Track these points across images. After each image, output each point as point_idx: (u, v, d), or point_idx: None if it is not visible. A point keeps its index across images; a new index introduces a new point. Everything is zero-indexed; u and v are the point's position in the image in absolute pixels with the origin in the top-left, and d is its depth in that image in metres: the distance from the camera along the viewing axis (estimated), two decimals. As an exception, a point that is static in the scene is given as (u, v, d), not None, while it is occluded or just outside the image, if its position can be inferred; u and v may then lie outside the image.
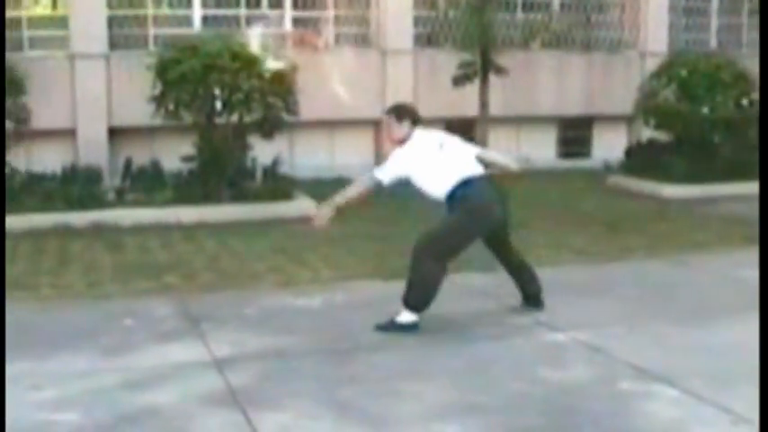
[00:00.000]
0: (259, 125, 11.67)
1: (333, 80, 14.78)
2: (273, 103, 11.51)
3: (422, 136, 6.86)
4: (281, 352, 6.17)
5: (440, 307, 6.64)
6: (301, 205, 11.56)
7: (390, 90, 15.29)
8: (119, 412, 5.05)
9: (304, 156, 15.03)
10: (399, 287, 7.77)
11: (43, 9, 15.12)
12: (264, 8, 15.33)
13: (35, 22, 14.77)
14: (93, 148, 13.95)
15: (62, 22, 14.68)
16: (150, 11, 14.97)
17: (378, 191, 6.97)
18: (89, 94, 14.21)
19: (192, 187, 11.60)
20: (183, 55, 11.16)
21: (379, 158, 15.57)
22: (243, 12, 15.09)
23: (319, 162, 15.03)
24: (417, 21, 15.82)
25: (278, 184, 12.07)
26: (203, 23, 14.90)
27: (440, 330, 6.61)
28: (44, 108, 12.69)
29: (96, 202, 11.34)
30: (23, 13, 14.64)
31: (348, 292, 7.81)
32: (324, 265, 8.83)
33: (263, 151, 12.32)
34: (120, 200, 11.63)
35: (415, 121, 6.92)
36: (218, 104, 11.30)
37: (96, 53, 14.33)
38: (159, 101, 11.53)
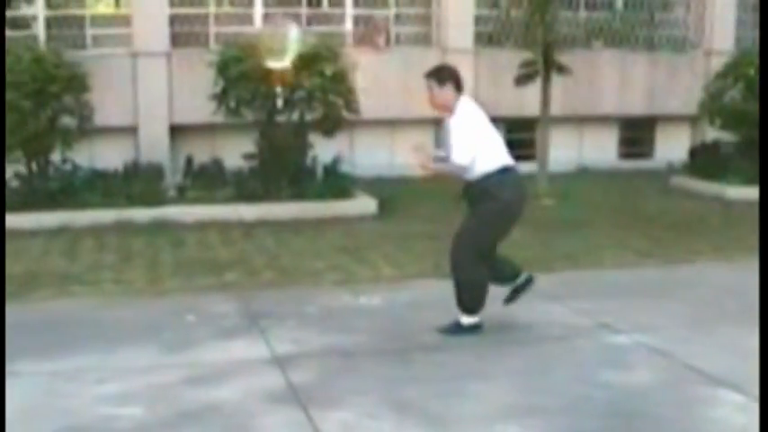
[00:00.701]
0: (320, 123, 11.68)
1: (393, 79, 14.73)
2: (334, 101, 11.51)
3: (470, 103, 6.47)
4: (341, 350, 6.15)
5: (500, 307, 6.58)
6: (361, 204, 11.56)
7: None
8: (181, 408, 5.08)
9: (364, 154, 15.02)
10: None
11: (106, 7, 15.28)
12: (325, 7, 15.36)
13: (98, 21, 14.94)
14: (154, 146, 14.07)
15: (124, 20, 14.84)
16: (212, 9, 15.07)
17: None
18: (151, 92, 14.34)
19: (253, 185, 11.65)
20: (245, 53, 11.18)
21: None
22: (304, 10, 15.12)
23: (379, 161, 15.01)
24: (478, 19, 15.73)
25: (338, 183, 12.06)
26: (264, 22, 14.94)
27: (500, 331, 6.56)
28: (106, 105, 12.79)
29: (158, 198, 11.43)
30: (87, 12, 14.82)
31: (408, 291, 7.79)
32: (384, 263, 8.82)
33: (323, 150, 12.33)
34: (182, 197, 11.71)
35: (459, 85, 6.45)
36: (280, 102, 11.33)
37: (158, 51, 14.44)
38: (220, 99, 11.59)
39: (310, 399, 5.18)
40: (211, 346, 6.24)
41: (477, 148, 6.30)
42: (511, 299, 6.67)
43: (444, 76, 6.46)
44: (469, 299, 6.47)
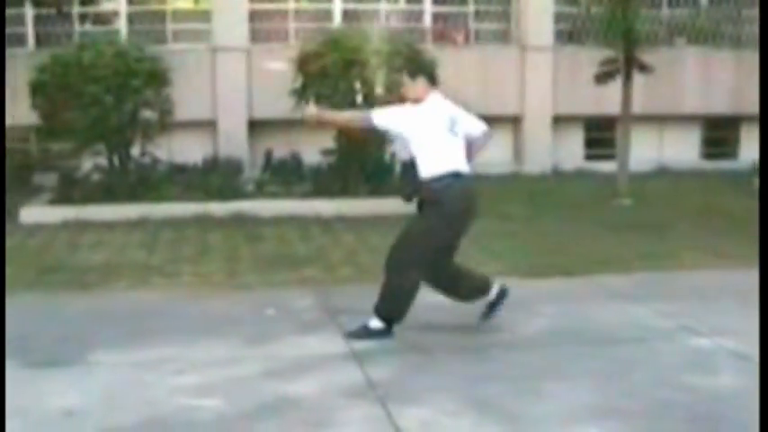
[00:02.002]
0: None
1: (471, 76, 14.68)
2: (413, 98, 11.47)
3: (438, 103, 6.23)
4: (419, 347, 6.12)
5: (578, 307, 6.50)
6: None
7: (529, 87, 15.16)
8: (260, 400, 5.09)
9: (440, 151, 14.95)
10: (537, 286, 7.74)
11: (186, 3, 15.46)
12: (404, 3, 15.36)
13: (179, 16, 15.13)
14: (233, 140, 14.22)
15: (205, 15, 15.00)
16: (291, 5, 15.16)
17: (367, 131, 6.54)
18: (230, 87, 14.49)
19: (331, 181, 11.69)
20: (325, 49, 11.22)
21: (518, 155, 15.47)
22: (383, 6, 15.14)
23: (456, 158, 14.95)
24: (558, 16, 15.60)
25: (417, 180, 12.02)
26: (343, 18, 14.99)
27: (579, 331, 6.48)
28: (185, 100, 12.93)
29: (236, 192, 11.53)
30: (168, 7, 15.00)
31: (486, 289, 7.69)
32: (461, 260, 8.73)
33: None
34: (260, 191, 11.80)
35: (432, 79, 6.26)
36: (359, 99, 11.33)
37: (238, 46, 14.57)
38: (300, 94, 11.64)
39: (388, 394, 5.16)
40: (290, 340, 6.26)
41: (409, 137, 6.14)
42: (487, 315, 6.53)
43: (416, 69, 6.33)
44: (390, 306, 6.27)
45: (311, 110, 6.60)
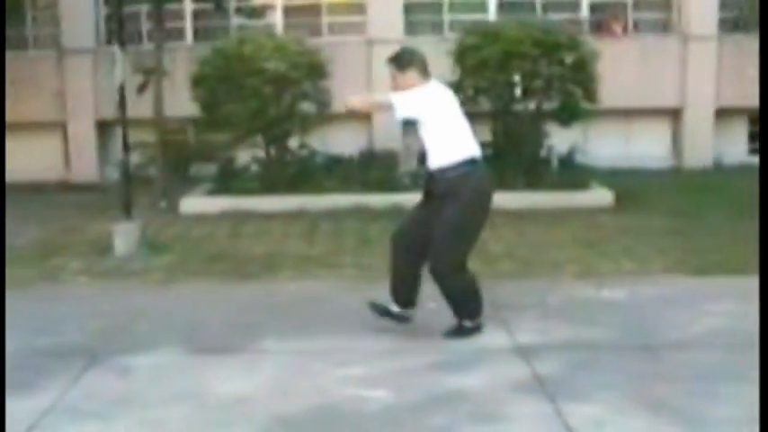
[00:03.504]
0: (558, 113, 11.49)
1: (631, 67, 14.34)
2: (573, 90, 11.29)
3: (439, 88, 6.04)
4: (586, 344, 5.99)
5: (749, 308, 6.21)
6: (597, 196, 11.30)
7: (691, 78, 14.73)
8: (427, 393, 5.06)
9: (598, 144, 14.68)
10: (705, 284, 7.49)
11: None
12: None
13: (334, 9, 15.26)
14: (388, 133, 14.20)
15: (360, 8, 15.07)
16: (446, -4, 15.13)
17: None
18: (385, 80, 14.42)
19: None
20: (484, 41, 11.13)
21: (677, 149, 15.06)
22: (539, -2, 14.96)
23: (614, 151, 14.67)
24: (723, 4, 15.05)
25: (574, 173, 11.85)
26: (499, 10, 14.85)
27: (751, 332, 6.17)
28: (341, 92, 12.93)
29: (393, 185, 11.53)
30: (322, 0, 15.15)
31: (652, 286, 7.48)
32: (624, 256, 8.55)
33: (558, 139, 12.14)
34: (415, 184, 11.76)
35: (424, 69, 5.97)
36: (518, 91, 11.20)
37: (393, 38, 14.57)
38: (457, 87, 11.55)
39: (557, 391, 5.05)
40: (454, 333, 6.21)
41: (426, 122, 5.87)
42: (374, 308, 6.21)
43: (405, 61, 6.00)
44: (465, 309, 6.06)
45: (353, 99, 6.23)
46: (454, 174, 5.85)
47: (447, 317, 6.14)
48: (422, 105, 5.86)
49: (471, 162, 5.90)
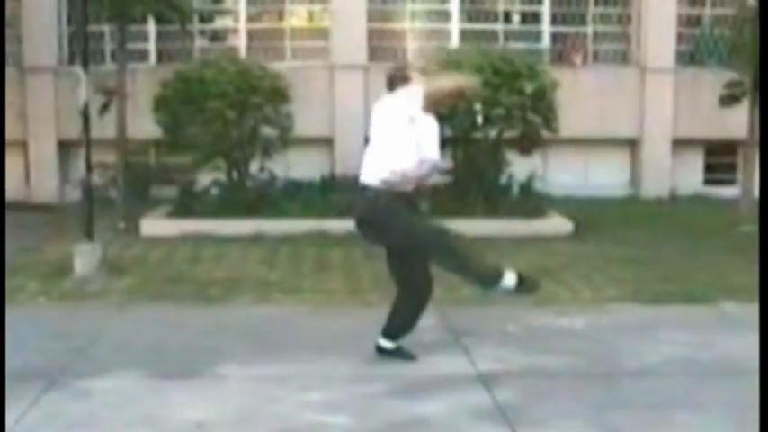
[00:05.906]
0: (518, 141, 11.59)
1: (590, 98, 14.52)
2: (533, 119, 11.41)
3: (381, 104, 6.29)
4: (545, 371, 6.04)
5: (705, 336, 6.32)
6: (556, 224, 11.40)
7: (649, 109, 14.93)
8: (388, 419, 5.07)
9: (557, 173, 14.85)
10: (660, 313, 7.57)
11: (306, 21, 15.63)
12: (522, 24, 15.29)
13: (298, 33, 15.31)
14: (350, 158, 14.24)
15: (323, 33, 15.14)
16: (408, 24, 15.21)
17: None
18: (348, 105, 14.54)
19: (447, 200, 11.63)
20: (446, 69, 11.20)
21: (635, 178, 15.23)
22: (500, 27, 15.10)
23: (573, 180, 14.83)
24: (680, 38, 15.30)
25: (533, 202, 11.95)
26: (461, 38, 14.99)
27: (708, 360, 6.31)
28: (303, 117, 12.98)
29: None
30: (286, 25, 15.20)
31: (609, 314, 7.58)
32: (582, 285, 8.64)
33: (517, 167, 12.25)
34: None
35: (392, 82, 6.28)
36: (479, 119, 11.27)
37: (356, 64, 14.66)
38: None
39: (518, 418, 5.09)
40: (413, 359, 6.24)
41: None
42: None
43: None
44: (484, 277, 6.21)
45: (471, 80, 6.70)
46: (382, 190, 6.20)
47: (405, 342, 6.18)
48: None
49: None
